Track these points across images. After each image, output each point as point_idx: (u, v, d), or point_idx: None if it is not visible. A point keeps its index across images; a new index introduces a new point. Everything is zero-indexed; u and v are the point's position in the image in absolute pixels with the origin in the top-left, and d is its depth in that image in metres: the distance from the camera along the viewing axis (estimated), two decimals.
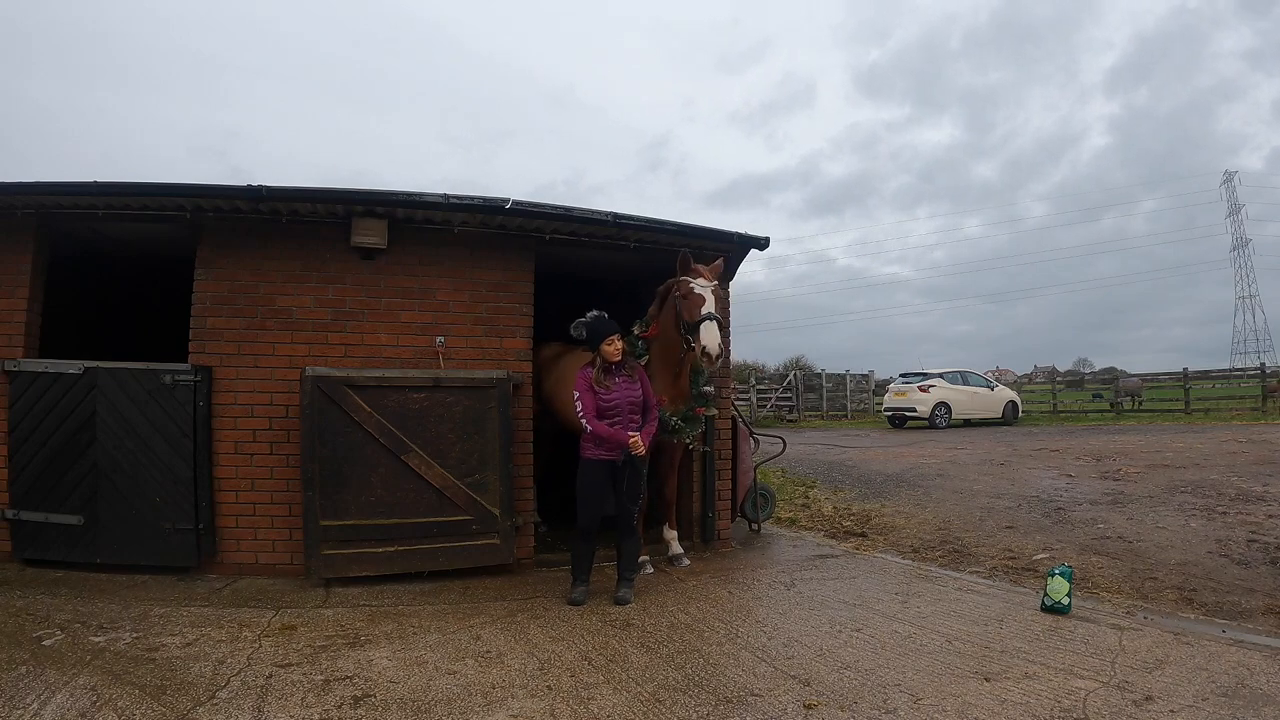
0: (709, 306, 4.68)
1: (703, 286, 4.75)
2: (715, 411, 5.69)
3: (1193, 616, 4.15)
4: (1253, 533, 5.49)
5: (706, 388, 5.32)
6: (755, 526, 6.63)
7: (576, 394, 4.44)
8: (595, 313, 4.64)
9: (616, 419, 4.42)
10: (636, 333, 5.22)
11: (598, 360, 4.51)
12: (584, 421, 4.39)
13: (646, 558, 5.13)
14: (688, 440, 5.33)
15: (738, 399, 22.23)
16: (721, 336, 4.71)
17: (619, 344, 4.52)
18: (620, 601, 4.37)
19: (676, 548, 5.41)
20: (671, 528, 5.49)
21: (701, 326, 4.63)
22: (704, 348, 4.61)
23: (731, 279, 6.17)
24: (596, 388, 4.43)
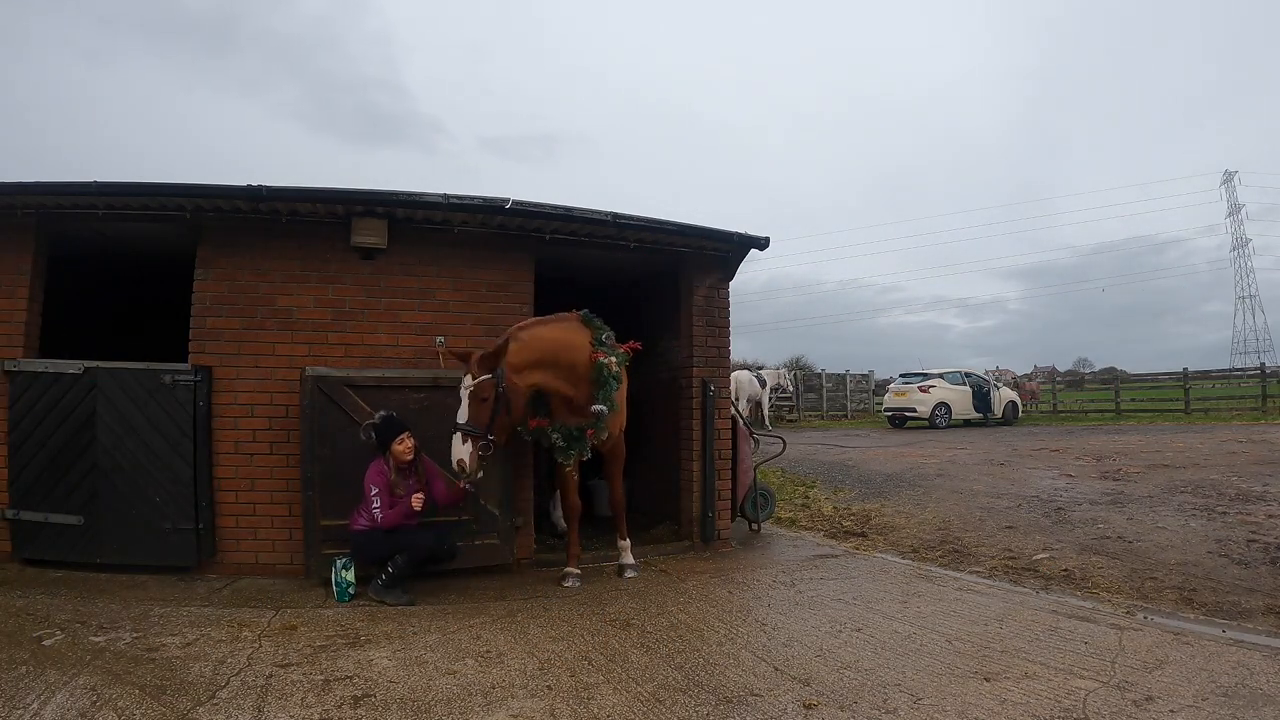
0: (459, 412, 4.23)
1: (464, 388, 4.23)
2: (606, 434, 4.96)
3: (1193, 616, 4.14)
4: (1253, 533, 5.49)
5: (597, 407, 4.75)
6: (755, 526, 6.63)
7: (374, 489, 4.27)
8: (384, 413, 4.48)
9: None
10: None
11: (390, 460, 4.37)
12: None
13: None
14: (566, 462, 4.87)
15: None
16: (473, 447, 4.16)
17: (409, 443, 4.39)
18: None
19: (628, 557, 5.15)
20: (623, 537, 5.20)
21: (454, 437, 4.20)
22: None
23: (731, 278, 6.21)
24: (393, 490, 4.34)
